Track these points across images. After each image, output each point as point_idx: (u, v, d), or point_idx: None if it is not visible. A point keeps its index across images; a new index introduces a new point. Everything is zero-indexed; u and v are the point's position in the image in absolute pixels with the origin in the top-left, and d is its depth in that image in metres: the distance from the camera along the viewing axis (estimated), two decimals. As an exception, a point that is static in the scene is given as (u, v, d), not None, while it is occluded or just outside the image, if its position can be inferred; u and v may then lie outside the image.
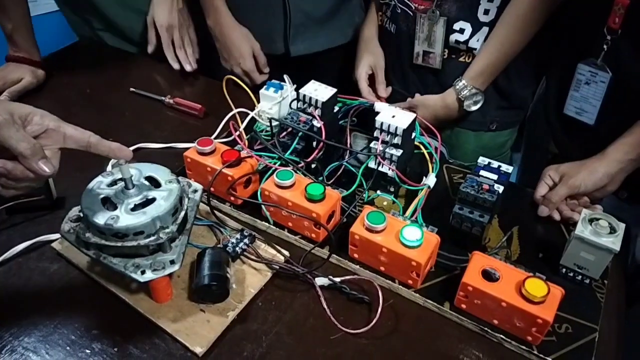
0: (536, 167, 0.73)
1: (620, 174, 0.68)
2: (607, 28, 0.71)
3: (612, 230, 0.57)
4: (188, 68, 1.01)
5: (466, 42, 0.86)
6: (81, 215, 0.55)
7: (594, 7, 0.74)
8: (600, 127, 0.77)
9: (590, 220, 0.58)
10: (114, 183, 0.56)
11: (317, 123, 0.70)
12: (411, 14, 0.88)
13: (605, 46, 0.72)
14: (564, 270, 0.61)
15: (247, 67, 0.98)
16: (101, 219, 0.52)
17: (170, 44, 1.02)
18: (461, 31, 0.86)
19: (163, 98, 0.93)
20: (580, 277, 0.60)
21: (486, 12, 0.84)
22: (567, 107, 0.81)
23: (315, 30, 1.02)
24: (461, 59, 0.88)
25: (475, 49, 0.86)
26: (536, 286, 0.52)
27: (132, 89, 0.96)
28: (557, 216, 0.69)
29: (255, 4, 0.96)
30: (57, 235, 0.64)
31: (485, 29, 0.85)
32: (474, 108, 0.88)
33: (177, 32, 1.01)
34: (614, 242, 0.56)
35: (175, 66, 1.02)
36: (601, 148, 0.69)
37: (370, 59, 0.98)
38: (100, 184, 0.56)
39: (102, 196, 0.55)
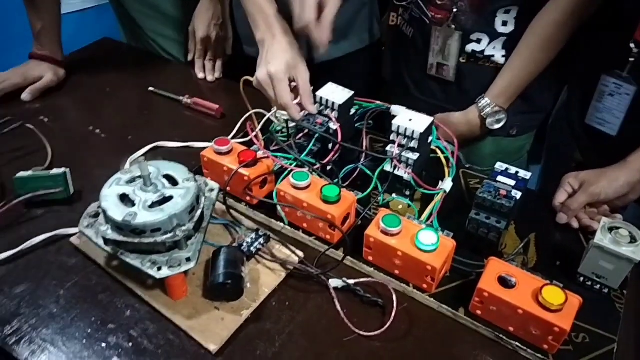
0: (558, 176, 0.73)
1: None
2: (634, 41, 0.70)
3: (633, 240, 0.56)
4: (210, 78, 1.03)
5: (482, 51, 0.85)
6: (100, 211, 0.56)
7: (620, 20, 0.73)
8: (622, 138, 0.76)
9: (610, 229, 0.57)
10: (132, 180, 0.57)
11: (334, 125, 0.70)
12: (427, 22, 0.87)
13: (631, 59, 0.71)
14: (582, 279, 0.60)
15: (274, 69, 0.72)
16: (119, 215, 0.53)
17: (202, 55, 1.04)
18: (478, 41, 0.85)
19: (181, 98, 0.94)
20: (598, 286, 0.59)
21: (504, 23, 0.82)
22: (589, 118, 0.80)
23: (337, 37, 1.03)
24: (480, 63, 0.87)
25: (492, 56, 0.85)
26: (554, 294, 0.51)
27: (150, 89, 0.97)
28: (575, 224, 0.68)
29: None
30: (76, 230, 0.65)
31: (502, 38, 0.83)
32: (496, 126, 0.87)
33: (213, 45, 1.03)
34: (635, 252, 0.55)
35: (200, 75, 1.04)
36: (623, 158, 0.68)
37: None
38: (119, 181, 0.57)
39: (120, 193, 0.55)
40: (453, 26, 0.84)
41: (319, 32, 0.72)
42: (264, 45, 0.75)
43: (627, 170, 0.66)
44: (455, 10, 0.83)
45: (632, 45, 0.70)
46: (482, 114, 0.86)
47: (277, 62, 0.71)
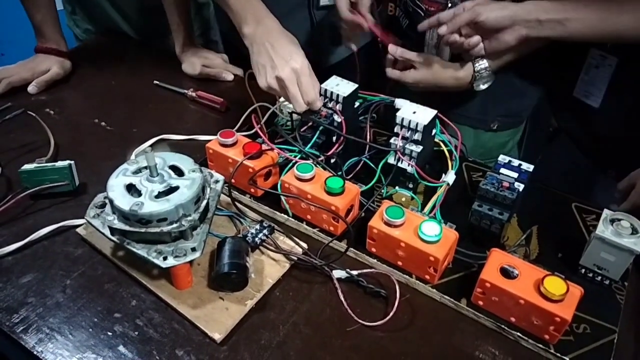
0: (537, 143, 0.73)
1: (523, 26, 0.68)
2: None
3: (634, 231, 0.56)
4: (230, 77, 1.03)
5: None
6: (107, 201, 0.57)
7: None
8: (603, 110, 0.77)
9: (612, 221, 0.57)
10: (138, 171, 0.58)
11: (338, 118, 0.71)
12: (422, 14, 0.86)
13: None
14: (583, 270, 0.60)
15: (299, 65, 0.69)
16: (126, 204, 0.53)
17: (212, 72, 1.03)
18: None
19: (185, 91, 0.94)
20: (599, 277, 0.60)
21: None
22: (577, 90, 0.82)
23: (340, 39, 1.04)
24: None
25: None
26: (555, 284, 0.51)
27: (155, 82, 0.98)
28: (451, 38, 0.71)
29: (284, 19, 0.95)
30: (82, 221, 0.65)
31: None
32: (482, 87, 0.85)
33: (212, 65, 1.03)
34: (636, 244, 0.55)
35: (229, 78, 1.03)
36: (603, 130, 0.68)
37: None
38: (126, 171, 0.58)
39: (127, 183, 0.56)
40: None
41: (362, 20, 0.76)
42: (259, 40, 0.71)
43: (519, 5, 0.67)
44: (449, 5, 0.82)
45: None
46: (475, 72, 0.83)
47: (297, 57, 0.69)
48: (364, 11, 0.84)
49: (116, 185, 0.56)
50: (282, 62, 0.69)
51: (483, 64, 0.83)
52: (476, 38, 0.70)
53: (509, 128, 0.94)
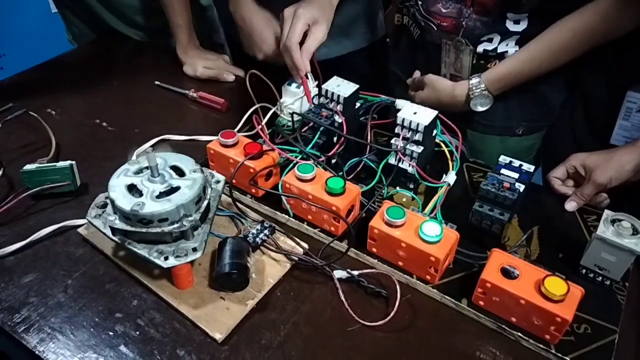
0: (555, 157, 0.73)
1: None
2: None
3: (635, 232, 0.56)
4: (231, 78, 1.03)
5: (495, 49, 0.83)
6: (108, 201, 0.57)
7: None
8: None
9: (613, 221, 0.57)
10: (140, 171, 0.58)
11: (339, 118, 0.71)
12: (434, 28, 0.86)
13: None
14: (584, 270, 0.60)
15: (270, 52, 0.86)
16: (127, 205, 0.53)
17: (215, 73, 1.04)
18: (489, 40, 0.82)
19: (187, 92, 0.95)
20: (600, 278, 0.60)
21: (517, 22, 0.80)
22: (615, 137, 0.78)
23: (338, 37, 1.04)
24: (489, 65, 0.85)
25: (506, 52, 0.82)
26: (556, 285, 0.52)
27: (156, 82, 0.98)
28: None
29: (280, 10, 0.94)
30: (83, 221, 0.66)
31: (515, 36, 0.81)
32: (479, 109, 0.84)
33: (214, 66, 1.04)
34: (637, 244, 0.55)
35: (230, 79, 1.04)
36: None
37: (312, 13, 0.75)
38: (127, 172, 0.58)
39: (128, 183, 0.56)
40: (464, 40, 0.82)
41: (298, 57, 0.73)
42: (237, 20, 0.85)
43: (635, 154, 0.66)
44: (464, 24, 0.81)
45: None
46: (470, 92, 0.83)
47: (268, 43, 0.83)
48: (304, 57, 0.74)
49: (117, 185, 0.56)
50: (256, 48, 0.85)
51: (478, 81, 0.83)
52: (603, 197, 0.71)
53: (534, 132, 0.93)
